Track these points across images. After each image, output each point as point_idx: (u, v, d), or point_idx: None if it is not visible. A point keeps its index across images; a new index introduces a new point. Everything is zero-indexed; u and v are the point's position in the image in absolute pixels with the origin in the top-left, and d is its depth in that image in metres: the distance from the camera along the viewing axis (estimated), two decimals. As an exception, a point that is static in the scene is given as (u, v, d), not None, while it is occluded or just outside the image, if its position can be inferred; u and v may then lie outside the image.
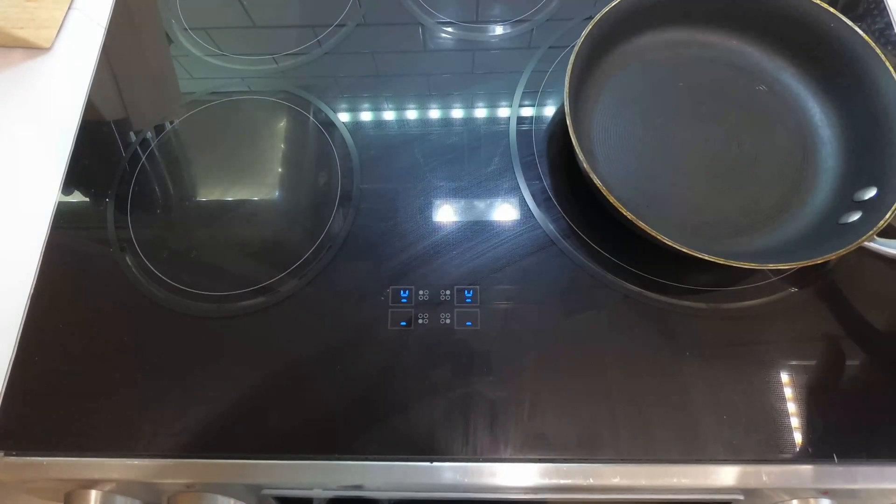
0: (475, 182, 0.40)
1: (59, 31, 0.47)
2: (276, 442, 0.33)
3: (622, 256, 0.37)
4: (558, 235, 0.38)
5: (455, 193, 0.40)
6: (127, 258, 0.39)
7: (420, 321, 0.36)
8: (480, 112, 0.43)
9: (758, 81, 0.40)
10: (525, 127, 0.42)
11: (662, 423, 0.32)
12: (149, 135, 0.43)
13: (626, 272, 0.36)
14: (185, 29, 0.48)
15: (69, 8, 0.48)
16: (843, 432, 0.32)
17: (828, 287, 0.36)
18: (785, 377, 0.33)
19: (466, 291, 0.36)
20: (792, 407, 0.32)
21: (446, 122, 0.42)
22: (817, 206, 0.36)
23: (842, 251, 0.30)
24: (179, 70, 0.47)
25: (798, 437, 0.32)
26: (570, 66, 0.36)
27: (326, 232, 0.39)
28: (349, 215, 0.39)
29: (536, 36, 0.46)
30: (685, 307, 0.35)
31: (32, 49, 0.46)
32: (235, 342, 0.36)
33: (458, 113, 0.43)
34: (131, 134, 0.44)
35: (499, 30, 0.47)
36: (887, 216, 0.31)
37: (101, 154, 0.43)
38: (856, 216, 0.33)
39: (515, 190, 0.39)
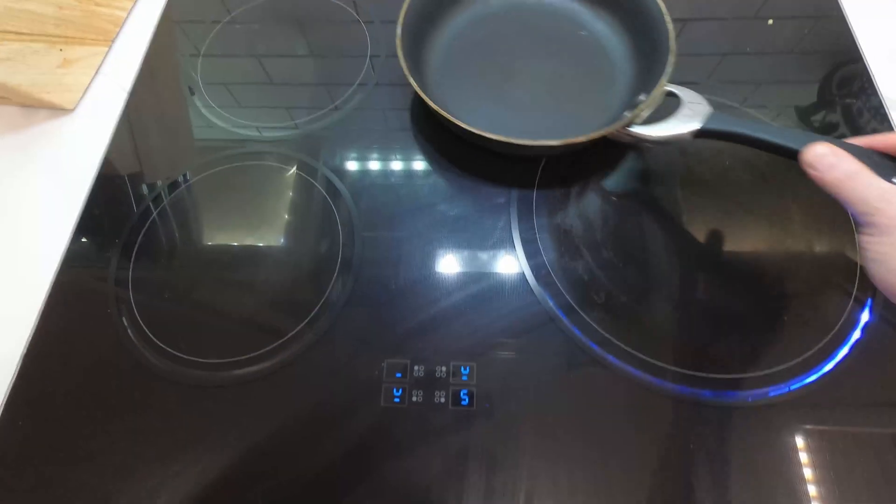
0: (475, 256, 0.40)
1: (83, 95, 0.50)
2: (256, 526, 0.31)
3: (625, 338, 0.36)
4: (557, 313, 0.37)
5: (453, 266, 0.40)
6: (123, 320, 0.38)
7: (414, 399, 0.35)
8: (482, 185, 0.44)
9: (580, 28, 0.49)
10: (526, 201, 0.42)
11: (666, 525, 0.30)
12: (161, 194, 0.44)
13: (629, 356, 0.35)
14: (204, 95, 0.50)
15: (96, 73, 0.51)
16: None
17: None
18: (799, 473, 0.32)
19: (463, 368, 0.35)
20: (805, 510, 0.30)
21: (447, 197, 0.43)
22: (613, 117, 0.41)
23: (600, 132, 0.37)
24: (197, 135, 0.49)
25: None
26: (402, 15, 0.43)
27: (324, 301, 0.38)
28: (348, 284, 0.39)
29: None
30: (688, 395, 0.34)
31: (57, 109, 0.48)
32: (224, 413, 0.35)
33: (459, 187, 0.44)
34: (142, 197, 0.45)
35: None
36: (636, 110, 0.37)
37: (110, 213, 0.44)
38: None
39: (515, 264, 0.39)
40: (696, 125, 0.36)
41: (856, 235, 0.24)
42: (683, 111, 0.37)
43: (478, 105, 0.45)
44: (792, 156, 0.30)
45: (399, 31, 0.42)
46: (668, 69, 0.38)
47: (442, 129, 0.45)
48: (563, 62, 0.47)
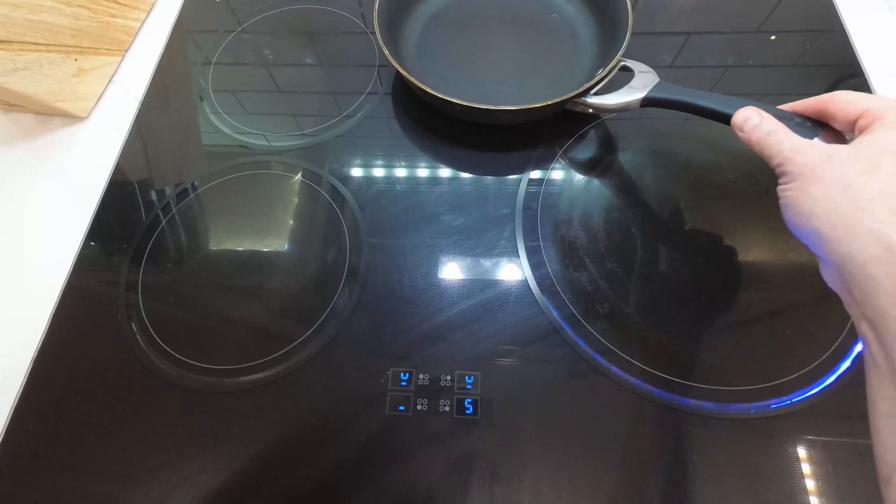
0: (480, 265, 0.41)
1: (97, 103, 0.50)
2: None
3: (628, 349, 0.36)
4: (561, 323, 0.37)
5: (459, 275, 0.40)
6: (133, 325, 0.39)
7: (419, 407, 0.35)
8: (488, 195, 0.44)
9: (551, 10, 0.52)
10: (531, 212, 0.43)
11: (668, 536, 0.31)
12: (170, 202, 0.45)
13: (632, 366, 0.36)
14: (214, 103, 0.51)
15: (109, 82, 0.52)
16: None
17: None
18: (801, 485, 0.32)
19: (467, 377, 0.36)
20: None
21: (454, 207, 0.44)
22: (574, 90, 0.42)
23: (555, 100, 0.41)
24: (206, 143, 0.49)
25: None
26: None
27: (331, 309, 0.39)
28: (354, 293, 0.40)
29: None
30: (691, 407, 0.34)
31: (70, 117, 0.49)
32: (231, 419, 0.35)
33: (465, 197, 0.44)
34: (152, 204, 0.45)
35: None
36: (591, 81, 0.42)
37: (120, 220, 0.45)
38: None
39: (520, 275, 0.40)
40: (642, 94, 0.39)
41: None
42: (634, 83, 0.40)
43: (451, 80, 0.48)
44: (726, 120, 0.32)
45: (376, 5, 0.46)
46: (624, 45, 0.42)
47: (442, 132, 0.46)
48: (534, 42, 0.51)
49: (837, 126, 0.27)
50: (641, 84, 0.40)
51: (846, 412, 0.34)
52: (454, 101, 0.41)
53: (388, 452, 0.34)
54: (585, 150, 0.46)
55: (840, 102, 0.26)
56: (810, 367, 0.35)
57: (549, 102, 0.41)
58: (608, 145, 0.47)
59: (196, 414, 0.36)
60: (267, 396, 0.36)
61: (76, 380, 0.37)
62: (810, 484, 0.32)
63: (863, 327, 0.22)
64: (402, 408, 0.35)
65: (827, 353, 0.35)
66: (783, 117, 0.29)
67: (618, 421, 0.34)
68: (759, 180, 0.43)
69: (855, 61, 0.49)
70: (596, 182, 0.44)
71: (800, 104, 0.30)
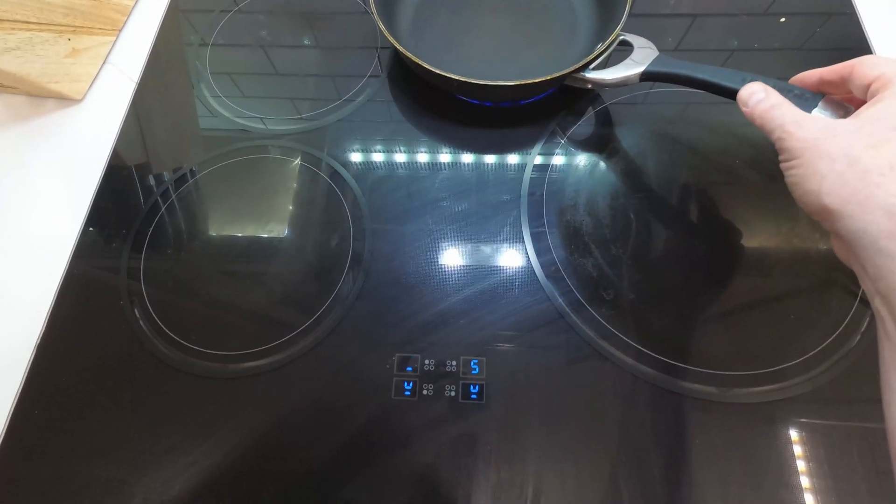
0: (485, 251, 0.40)
1: (91, 85, 0.49)
2: (270, 515, 0.32)
3: (632, 335, 0.36)
4: (566, 309, 0.37)
5: (464, 261, 0.40)
6: (136, 311, 0.39)
7: (424, 392, 0.35)
8: (492, 180, 0.44)
9: None
10: (535, 198, 0.42)
11: (671, 517, 0.31)
12: (169, 188, 0.45)
13: (636, 352, 0.36)
14: (212, 86, 0.50)
15: (104, 63, 0.50)
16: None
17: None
18: (798, 469, 0.32)
19: (472, 363, 0.36)
20: (806, 504, 0.31)
21: (458, 193, 0.43)
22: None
23: (553, 75, 0.40)
24: (204, 127, 0.48)
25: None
26: None
27: (336, 294, 0.39)
28: (359, 278, 0.39)
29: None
30: (694, 391, 0.35)
31: (65, 99, 0.48)
32: (236, 404, 0.35)
33: (469, 183, 0.44)
34: (151, 189, 0.45)
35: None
36: (590, 56, 0.41)
37: (119, 205, 0.44)
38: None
39: (525, 261, 0.40)
40: (641, 68, 0.39)
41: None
42: (633, 57, 0.40)
43: (448, 58, 0.46)
44: (731, 94, 0.31)
45: None
46: (623, 19, 0.42)
47: (445, 117, 0.45)
48: (531, 18, 0.50)
49: (855, 90, 0.27)
50: (641, 58, 0.39)
51: (848, 397, 0.34)
52: (451, 76, 0.40)
53: (394, 437, 0.34)
54: (590, 136, 0.46)
55: (864, 65, 0.26)
56: (813, 352, 0.35)
57: (547, 78, 0.40)
58: (613, 130, 0.46)
59: (201, 399, 0.36)
60: (272, 382, 0.36)
61: (80, 366, 0.37)
62: (810, 468, 0.32)
63: (876, 302, 0.22)
64: (407, 393, 0.35)
65: (829, 339, 0.36)
66: (782, 89, 0.29)
67: (621, 405, 0.34)
68: (764, 166, 0.43)
69: (865, 45, 0.48)
70: (601, 167, 0.44)
71: (827, 70, 0.29)
